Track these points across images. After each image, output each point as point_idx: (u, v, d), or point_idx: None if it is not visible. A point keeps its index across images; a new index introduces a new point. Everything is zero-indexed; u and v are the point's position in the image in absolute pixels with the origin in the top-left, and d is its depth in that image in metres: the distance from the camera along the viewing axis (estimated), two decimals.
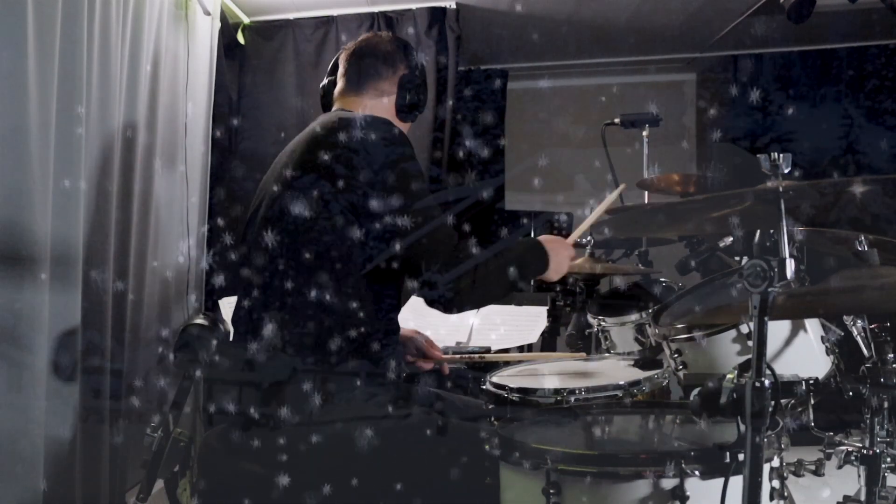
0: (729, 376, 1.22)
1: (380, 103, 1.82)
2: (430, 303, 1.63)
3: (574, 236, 1.96)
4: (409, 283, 1.62)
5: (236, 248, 1.80)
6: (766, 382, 1.18)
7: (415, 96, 1.84)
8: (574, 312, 2.90)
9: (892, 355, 1.67)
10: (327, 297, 1.58)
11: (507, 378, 1.98)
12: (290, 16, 3.77)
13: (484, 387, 1.92)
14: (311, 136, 1.70)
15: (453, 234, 1.62)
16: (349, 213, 1.58)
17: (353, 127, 1.63)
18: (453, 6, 3.70)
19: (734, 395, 1.19)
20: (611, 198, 2.05)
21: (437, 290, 1.58)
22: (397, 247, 1.58)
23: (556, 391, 1.78)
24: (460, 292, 1.58)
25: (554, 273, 1.79)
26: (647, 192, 3.00)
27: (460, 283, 1.58)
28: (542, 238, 1.81)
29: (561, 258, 1.80)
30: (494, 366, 2.11)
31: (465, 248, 1.61)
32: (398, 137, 1.65)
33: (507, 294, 1.75)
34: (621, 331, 2.38)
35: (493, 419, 1.67)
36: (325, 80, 1.93)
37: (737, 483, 1.20)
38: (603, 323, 2.41)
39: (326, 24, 3.74)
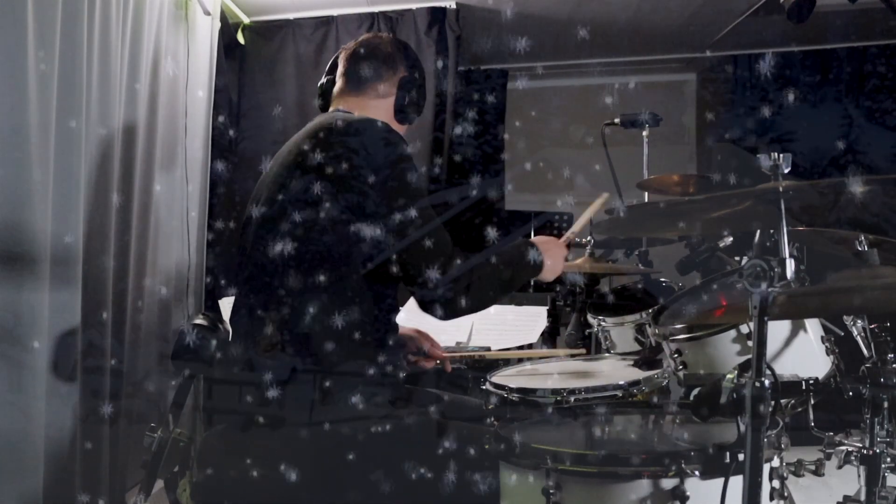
0: (729, 376, 1.22)
1: (378, 104, 1.82)
2: (426, 306, 1.61)
3: (567, 237, 1.95)
4: (406, 287, 1.61)
5: (235, 248, 1.81)
6: (766, 382, 1.18)
7: (414, 98, 1.84)
8: (574, 312, 2.91)
9: (892, 355, 1.66)
10: (325, 297, 1.58)
11: (506, 378, 1.98)
12: (290, 16, 3.77)
13: (484, 387, 1.92)
14: (309, 137, 1.69)
15: (448, 238, 1.61)
16: (348, 214, 1.57)
17: (353, 128, 1.63)
18: (453, 6, 3.70)
19: (734, 395, 1.19)
20: (598, 202, 2.09)
21: (433, 293, 1.57)
22: (394, 249, 1.58)
23: (556, 391, 1.78)
24: (457, 295, 1.58)
25: (549, 273, 1.79)
26: (646, 193, 3.00)
27: (457, 286, 1.57)
28: (536, 239, 1.80)
29: (556, 258, 1.80)
30: (494, 366, 2.11)
31: (460, 252, 1.60)
32: (397, 139, 1.64)
33: (504, 296, 1.74)
34: (621, 331, 2.38)
35: (493, 419, 1.67)
36: (324, 79, 1.92)
37: (737, 483, 1.20)
38: (603, 323, 2.41)
39: (326, 24, 3.74)
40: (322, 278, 1.58)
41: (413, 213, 1.57)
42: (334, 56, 1.91)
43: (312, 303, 1.58)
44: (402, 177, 1.60)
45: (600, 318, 2.43)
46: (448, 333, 2.46)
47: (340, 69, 1.86)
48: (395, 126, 1.84)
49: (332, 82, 1.88)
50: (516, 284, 1.70)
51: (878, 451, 1.62)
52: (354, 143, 1.61)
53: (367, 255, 1.59)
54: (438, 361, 2.00)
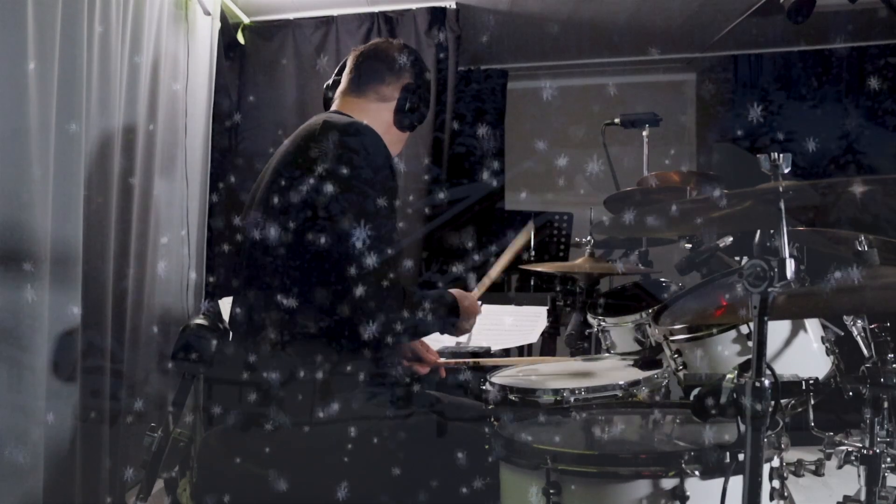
0: (729, 376, 1.22)
1: (379, 108, 1.81)
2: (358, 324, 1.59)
3: (480, 291, 1.95)
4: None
5: (234, 248, 1.81)
6: (766, 382, 1.18)
7: (416, 106, 1.83)
8: (574, 312, 2.91)
9: (892, 355, 1.67)
10: (324, 297, 1.58)
11: (506, 378, 1.98)
12: (290, 16, 3.77)
13: (484, 387, 1.92)
14: (300, 138, 1.70)
15: (395, 269, 1.60)
16: (339, 214, 1.57)
17: (336, 132, 1.63)
18: (453, 6, 3.70)
19: (734, 395, 1.19)
20: (519, 240, 2.10)
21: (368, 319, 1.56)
22: (393, 251, 1.58)
23: (556, 391, 1.78)
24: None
25: (459, 332, 1.81)
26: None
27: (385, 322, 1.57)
28: (455, 293, 1.78)
29: (470, 319, 1.80)
30: (493, 366, 2.11)
31: (400, 287, 1.59)
32: (378, 150, 1.63)
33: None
34: (621, 331, 2.38)
35: (493, 419, 1.67)
36: (331, 80, 1.92)
37: (737, 483, 1.20)
38: (603, 323, 2.41)
39: (326, 24, 3.74)
40: (320, 278, 1.58)
41: (376, 233, 1.56)
42: (345, 58, 1.91)
43: (311, 303, 1.58)
44: (383, 182, 1.59)
45: (600, 318, 2.43)
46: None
47: (347, 70, 1.87)
48: (395, 131, 1.84)
49: (338, 83, 1.89)
50: (421, 333, 1.72)
51: (878, 451, 1.62)
52: (341, 145, 1.60)
53: (365, 256, 1.59)
54: (433, 367, 1.99)
